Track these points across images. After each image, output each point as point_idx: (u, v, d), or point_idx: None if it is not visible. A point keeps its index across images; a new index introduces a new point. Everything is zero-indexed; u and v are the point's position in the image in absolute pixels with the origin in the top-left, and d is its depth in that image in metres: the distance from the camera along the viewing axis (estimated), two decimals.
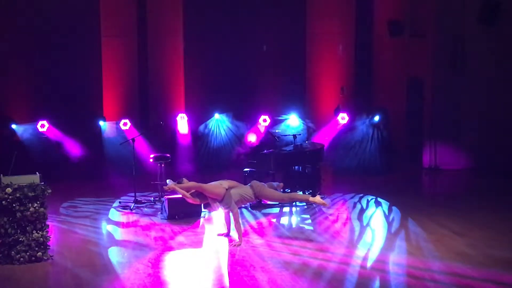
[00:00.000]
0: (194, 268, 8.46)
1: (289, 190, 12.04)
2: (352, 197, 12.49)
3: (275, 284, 7.66)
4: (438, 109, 15.06)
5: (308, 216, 11.13)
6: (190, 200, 9.36)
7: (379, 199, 12.16)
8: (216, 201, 9.33)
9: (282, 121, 15.42)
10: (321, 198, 12.07)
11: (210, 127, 15.92)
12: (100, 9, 15.60)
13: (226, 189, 9.38)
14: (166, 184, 9.38)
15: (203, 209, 10.75)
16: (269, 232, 10.06)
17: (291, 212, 11.47)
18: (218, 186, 9.42)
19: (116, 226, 10.72)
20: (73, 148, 14.93)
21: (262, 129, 15.67)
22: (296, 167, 12.61)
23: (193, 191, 9.32)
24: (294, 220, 11.10)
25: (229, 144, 15.93)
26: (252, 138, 15.66)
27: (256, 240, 9.61)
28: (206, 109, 15.99)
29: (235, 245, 9.25)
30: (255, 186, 9.64)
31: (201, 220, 10.85)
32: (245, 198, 9.55)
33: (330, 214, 11.14)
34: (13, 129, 14.66)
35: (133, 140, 12.33)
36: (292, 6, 16.59)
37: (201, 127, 15.92)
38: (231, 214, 9.51)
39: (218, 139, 15.93)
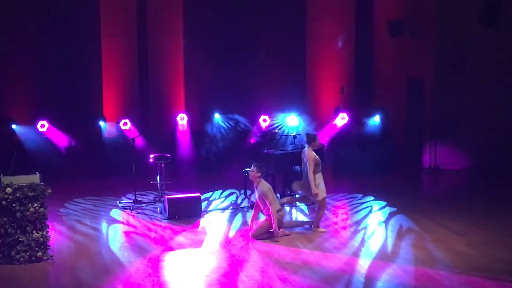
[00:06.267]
0: (194, 268, 8.46)
1: (289, 191, 12.07)
2: (352, 197, 12.49)
3: (275, 284, 7.65)
4: (438, 109, 15.07)
5: (308, 216, 11.13)
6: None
7: (379, 199, 12.16)
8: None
9: (279, 122, 15.42)
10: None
11: (210, 127, 15.92)
12: (100, 9, 15.62)
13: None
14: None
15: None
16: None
17: (291, 213, 11.47)
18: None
19: (116, 226, 10.72)
20: (73, 148, 14.93)
21: (262, 129, 15.68)
22: (296, 167, 12.59)
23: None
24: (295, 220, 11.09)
25: (230, 144, 15.92)
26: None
27: (256, 240, 9.60)
28: (206, 109, 16.00)
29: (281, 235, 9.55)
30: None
31: (201, 220, 10.85)
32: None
33: (330, 214, 11.14)
34: (13, 129, 14.67)
35: (133, 140, 12.34)
36: (292, 7, 16.60)
37: (202, 127, 15.92)
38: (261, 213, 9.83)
39: (218, 139, 15.93)
